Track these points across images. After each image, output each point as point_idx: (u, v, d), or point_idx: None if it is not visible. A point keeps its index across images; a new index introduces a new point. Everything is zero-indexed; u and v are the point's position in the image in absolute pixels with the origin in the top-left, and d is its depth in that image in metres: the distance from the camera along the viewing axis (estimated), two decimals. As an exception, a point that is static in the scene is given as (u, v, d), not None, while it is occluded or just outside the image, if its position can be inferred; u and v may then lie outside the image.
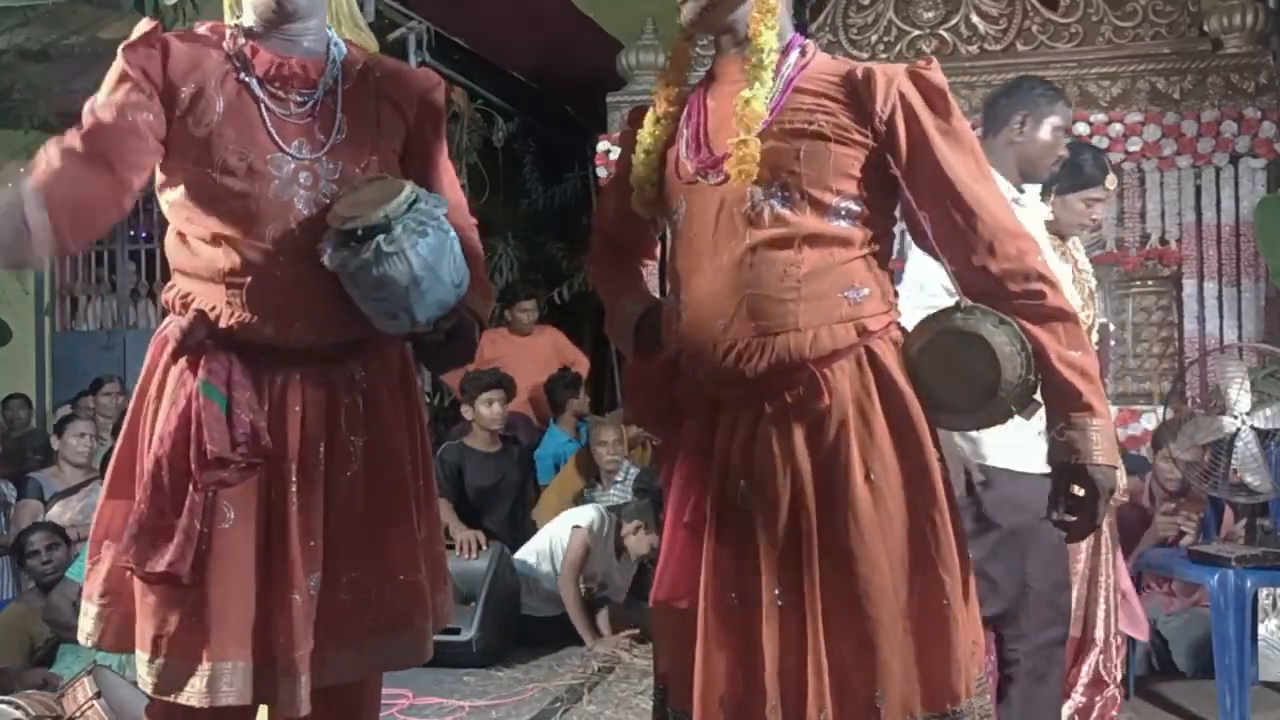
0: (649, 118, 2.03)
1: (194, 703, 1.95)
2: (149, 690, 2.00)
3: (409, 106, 2.16)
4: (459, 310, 2.07)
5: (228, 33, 2.07)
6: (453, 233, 2.04)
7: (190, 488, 1.95)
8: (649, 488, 5.11)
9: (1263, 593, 4.26)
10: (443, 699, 4.26)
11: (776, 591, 1.80)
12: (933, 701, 1.79)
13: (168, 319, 2.09)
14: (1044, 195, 3.33)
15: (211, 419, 1.95)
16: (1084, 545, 3.28)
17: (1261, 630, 4.29)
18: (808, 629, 1.78)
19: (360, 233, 1.94)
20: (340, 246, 1.96)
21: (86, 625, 2.09)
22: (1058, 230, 3.37)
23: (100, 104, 1.96)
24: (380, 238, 1.93)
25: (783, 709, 1.78)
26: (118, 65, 1.99)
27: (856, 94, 1.85)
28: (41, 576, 4.39)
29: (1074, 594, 3.24)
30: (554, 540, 5.21)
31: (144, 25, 2.03)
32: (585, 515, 5.20)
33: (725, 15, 1.92)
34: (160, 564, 1.93)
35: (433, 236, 1.98)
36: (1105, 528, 3.37)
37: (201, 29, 2.10)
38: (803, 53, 1.93)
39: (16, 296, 8.23)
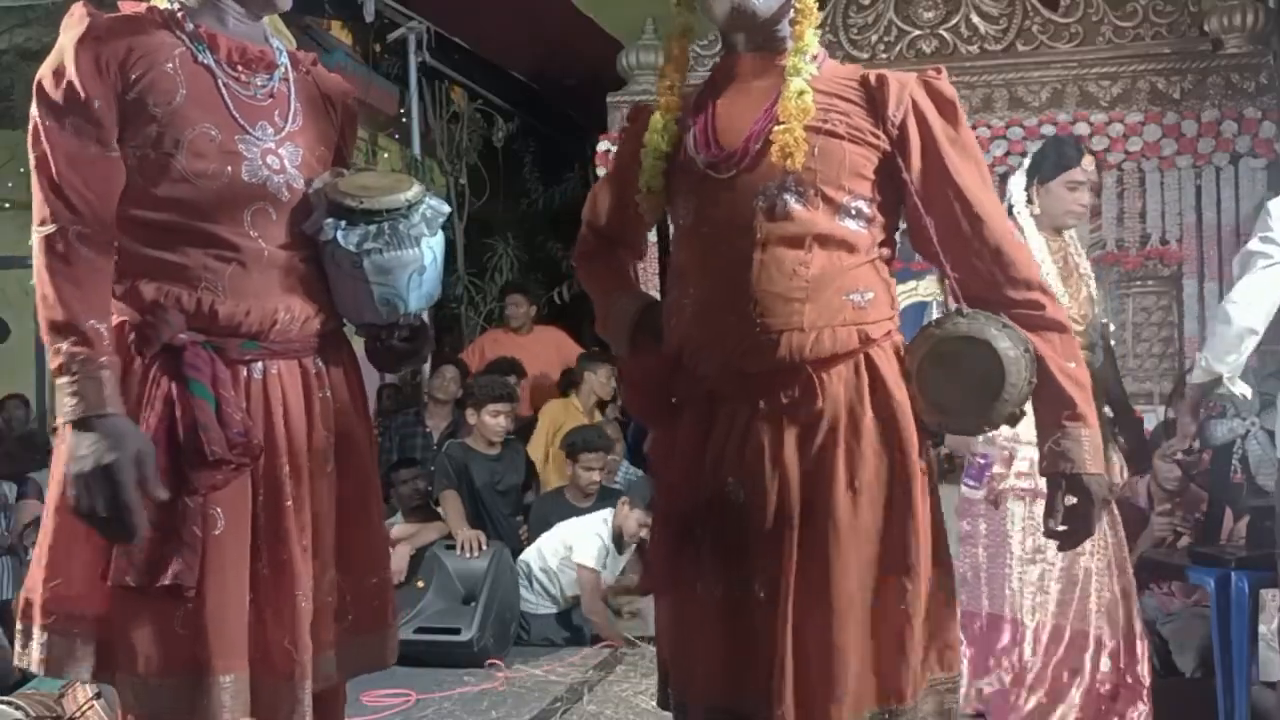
0: (655, 121, 2.01)
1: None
2: (143, 713, 1.84)
3: (338, 106, 2.12)
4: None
5: (177, 14, 1.92)
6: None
7: (183, 494, 1.83)
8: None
9: (1263, 593, 4.25)
10: (443, 699, 4.27)
11: (756, 586, 1.85)
12: (880, 698, 1.85)
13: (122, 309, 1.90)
14: (1027, 188, 3.38)
15: (207, 420, 1.83)
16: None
17: (1262, 630, 4.28)
18: (778, 624, 1.82)
19: (384, 213, 1.94)
20: (353, 225, 1.92)
21: (35, 652, 1.84)
22: (1049, 224, 3.39)
23: (70, 155, 1.81)
24: (402, 221, 1.95)
25: (760, 698, 1.83)
26: (68, 67, 1.81)
27: (870, 97, 1.89)
28: None
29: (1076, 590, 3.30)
30: (560, 553, 5.21)
31: (78, 11, 1.85)
32: (588, 552, 5.14)
33: (770, 15, 1.91)
34: (165, 577, 1.80)
35: (440, 234, 2.04)
36: (1108, 528, 3.38)
37: (129, 9, 1.94)
38: (812, 57, 1.94)
39: (16, 296, 8.23)
